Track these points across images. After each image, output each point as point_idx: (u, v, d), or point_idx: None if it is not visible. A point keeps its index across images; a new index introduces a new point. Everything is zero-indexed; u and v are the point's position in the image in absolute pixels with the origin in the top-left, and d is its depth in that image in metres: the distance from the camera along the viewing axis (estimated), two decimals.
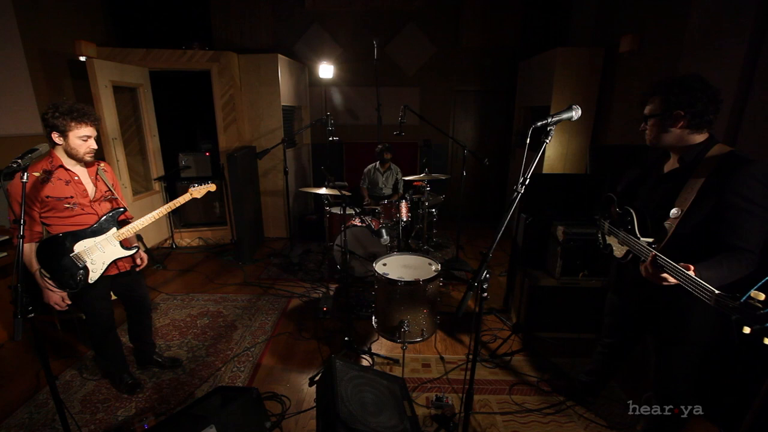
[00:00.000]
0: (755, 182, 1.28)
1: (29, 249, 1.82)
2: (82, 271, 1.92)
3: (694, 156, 1.44)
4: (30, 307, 1.42)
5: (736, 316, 1.00)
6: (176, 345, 2.77)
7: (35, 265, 1.83)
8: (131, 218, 2.16)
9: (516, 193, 1.35)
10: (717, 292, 1.08)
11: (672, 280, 1.27)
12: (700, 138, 1.44)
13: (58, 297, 1.89)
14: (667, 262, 1.27)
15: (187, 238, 4.75)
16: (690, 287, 1.18)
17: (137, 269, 2.21)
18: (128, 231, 2.04)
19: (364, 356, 2.61)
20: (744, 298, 0.99)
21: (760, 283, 1.00)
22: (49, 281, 1.85)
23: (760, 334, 0.97)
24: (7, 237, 2.69)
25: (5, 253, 2.62)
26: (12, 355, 2.66)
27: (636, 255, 1.52)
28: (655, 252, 1.34)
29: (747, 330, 0.98)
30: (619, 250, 1.68)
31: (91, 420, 2.09)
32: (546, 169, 4.16)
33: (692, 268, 1.21)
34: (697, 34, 2.70)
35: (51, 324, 2.90)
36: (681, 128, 1.43)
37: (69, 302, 1.94)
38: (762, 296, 0.97)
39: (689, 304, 1.45)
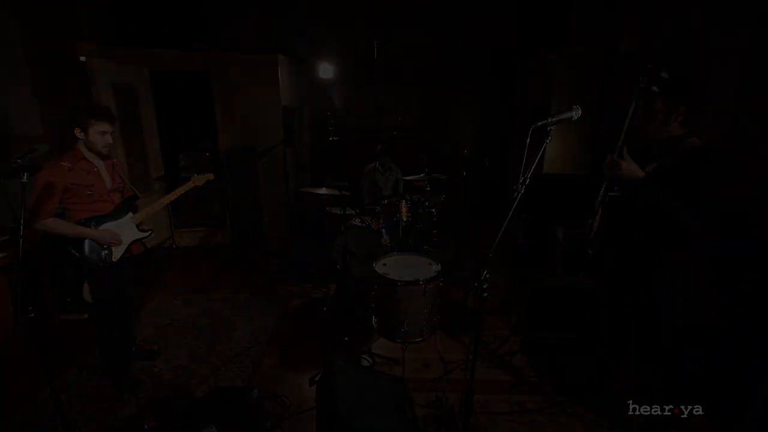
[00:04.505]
0: (720, 167, 1.46)
1: (54, 222, 1.99)
2: (106, 250, 2.14)
3: (673, 145, 1.56)
4: (30, 307, 1.43)
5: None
6: (176, 345, 2.77)
7: (69, 231, 2.02)
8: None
9: (516, 193, 1.35)
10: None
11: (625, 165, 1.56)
12: (681, 130, 1.54)
13: (108, 235, 2.10)
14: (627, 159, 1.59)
15: (187, 238, 4.75)
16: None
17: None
18: (144, 214, 2.30)
19: (364, 356, 2.61)
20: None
21: None
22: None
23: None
24: (6, 237, 2.69)
25: (5, 253, 2.62)
26: (12, 355, 2.66)
27: (609, 190, 1.78)
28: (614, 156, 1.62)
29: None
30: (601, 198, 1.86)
31: (92, 420, 2.09)
32: (546, 169, 4.16)
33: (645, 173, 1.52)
34: (696, 34, 2.70)
35: (51, 324, 2.90)
36: (679, 122, 1.52)
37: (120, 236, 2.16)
38: None
39: (666, 288, 1.62)
